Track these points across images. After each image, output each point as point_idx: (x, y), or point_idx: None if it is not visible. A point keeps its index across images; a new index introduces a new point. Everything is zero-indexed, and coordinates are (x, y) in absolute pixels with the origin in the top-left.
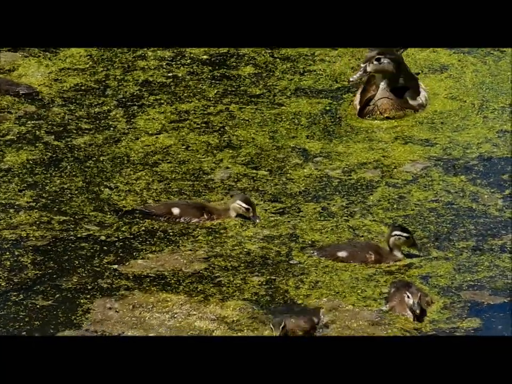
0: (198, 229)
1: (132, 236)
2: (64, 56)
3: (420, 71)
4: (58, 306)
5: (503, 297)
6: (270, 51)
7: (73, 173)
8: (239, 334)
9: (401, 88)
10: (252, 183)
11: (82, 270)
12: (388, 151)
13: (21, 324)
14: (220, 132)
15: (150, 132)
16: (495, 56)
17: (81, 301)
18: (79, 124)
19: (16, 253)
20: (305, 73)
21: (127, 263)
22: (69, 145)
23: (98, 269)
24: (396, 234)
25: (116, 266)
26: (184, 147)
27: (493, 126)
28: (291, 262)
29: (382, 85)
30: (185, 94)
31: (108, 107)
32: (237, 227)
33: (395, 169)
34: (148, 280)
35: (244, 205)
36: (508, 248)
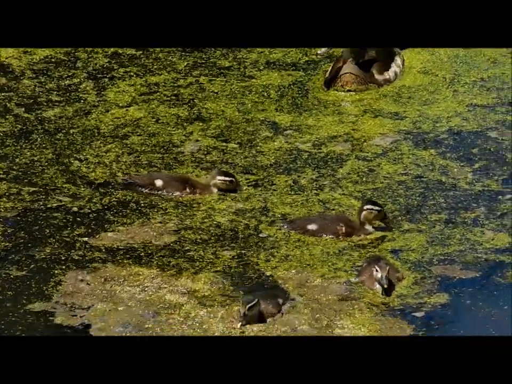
0: (167, 202)
1: (102, 208)
2: None
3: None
4: (31, 277)
5: (474, 272)
6: None
7: (44, 145)
8: (210, 310)
9: (368, 61)
10: (221, 155)
11: (53, 241)
12: (358, 124)
13: None
14: (189, 104)
15: (120, 105)
16: None
17: (53, 272)
18: (49, 96)
19: None
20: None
21: (98, 236)
22: (39, 118)
23: (69, 240)
24: (367, 208)
25: (86, 238)
26: (154, 120)
27: (463, 100)
28: (261, 235)
29: (348, 58)
30: (155, 67)
31: (78, 79)
32: (209, 200)
33: (365, 143)
34: (120, 253)
35: (226, 178)
36: (480, 222)
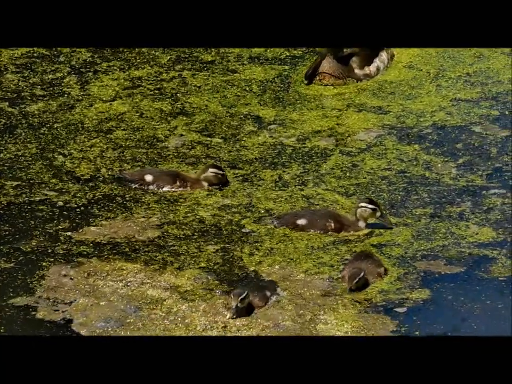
0: (150, 196)
1: (86, 203)
2: None
3: None
4: (14, 271)
5: (458, 267)
6: None
7: (28, 140)
8: (192, 304)
9: (349, 56)
10: (206, 150)
11: (37, 235)
12: (342, 119)
13: None
14: (173, 98)
15: (104, 99)
16: None
17: (36, 267)
18: (33, 91)
19: None
20: None
21: (81, 230)
22: (23, 112)
23: (53, 235)
24: (361, 206)
25: (70, 233)
26: (138, 114)
27: (447, 95)
28: (244, 230)
29: (327, 52)
30: (138, 60)
31: (62, 74)
32: (193, 195)
33: (349, 138)
34: (103, 248)
35: (219, 171)
36: (465, 217)
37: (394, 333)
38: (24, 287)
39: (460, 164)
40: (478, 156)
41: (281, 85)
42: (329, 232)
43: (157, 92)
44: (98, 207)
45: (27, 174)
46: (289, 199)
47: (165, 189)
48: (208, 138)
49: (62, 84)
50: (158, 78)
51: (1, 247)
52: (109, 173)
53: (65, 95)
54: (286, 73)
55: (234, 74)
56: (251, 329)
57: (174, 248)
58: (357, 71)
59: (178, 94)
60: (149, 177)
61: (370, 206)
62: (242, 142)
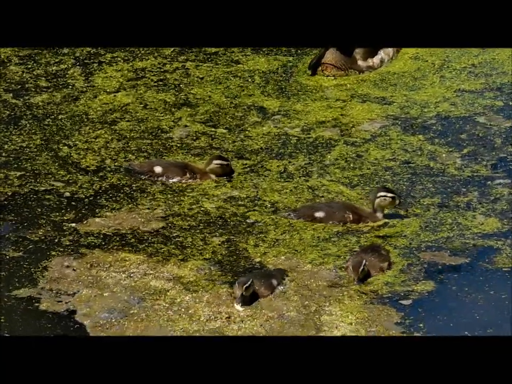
0: (155, 186)
1: (91, 194)
2: None
3: None
4: (17, 263)
5: (462, 258)
6: None
7: (32, 131)
8: (195, 295)
9: (352, 47)
10: (210, 141)
11: (41, 227)
12: (346, 109)
13: None
14: (176, 89)
15: (108, 90)
16: None
17: (39, 258)
18: (37, 82)
19: None
20: None
21: (86, 221)
22: (27, 104)
23: (57, 226)
24: (381, 196)
25: (74, 224)
26: (142, 105)
27: (451, 86)
28: (249, 221)
29: None
30: (142, 52)
31: (66, 65)
32: (200, 186)
33: (353, 128)
34: (107, 239)
35: (223, 162)
36: (470, 207)
37: (399, 324)
38: (27, 278)
39: (464, 154)
40: (483, 146)
41: (285, 76)
42: (348, 224)
43: (160, 83)
44: (104, 198)
45: (32, 165)
46: (295, 190)
47: (174, 180)
48: (213, 129)
49: (66, 76)
50: (162, 69)
51: (7, 236)
52: (115, 163)
53: (70, 87)
54: (290, 64)
55: (238, 65)
56: (255, 320)
57: (177, 239)
58: (360, 62)
59: (181, 85)
60: (158, 169)
61: (389, 194)
62: (247, 132)
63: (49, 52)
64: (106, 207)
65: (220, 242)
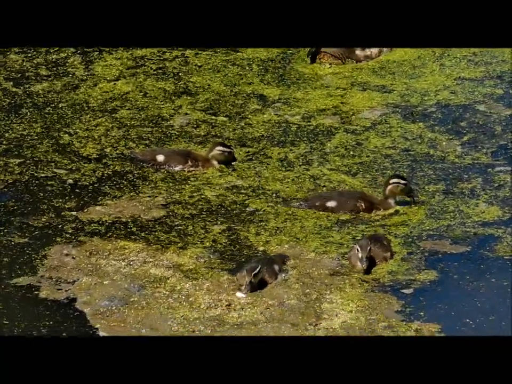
0: (156, 174)
1: (92, 182)
2: None
3: None
4: (16, 251)
5: (463, 246)
6: None
7: (33, 119)
8: (196, 283)
9: None
10: (211, 129)
11: (40, 215)
12: (346, 97)
13: None
14: (176, 78)
15: (108, 78)
16: None
17: (39, 246)
18: (38, 71)
19: None
20: None
21: (86, 210)
22: (28, 92)
23: (56, 214)
24: (394, 182)
25: (74, 212)
26: (142, 94)
27: (451, 74)
28: (250, 210)
29: None
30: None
31: (66, 54)
32: (201, 174)
33: (353, 116)
34: (107, 227)
35: (226, 149)
36: (471, 195)
37: (399, 313)
38: (27, 265)
39: (464, 142)
40: (483, 133)
41: (283, 63)
42: (361, 213)
43: (160, 71)
44: (105, 186)
45: (32, 152)
46: (296, 179)
47: (177, 168)
48: (213, 117)
49: (66, 64)
50: (161, 58)
51: (8, 223)
52: (116, 152)
53: (70, 75)
54: (290, 51)
55: (236, 54)
56: (255, 307)
57: (178, 227)
58: (358, 52)
59: (181, 74)
60: (160, 157)
61: (402, 181)
62: (247, 120)
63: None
64: (108, 195)
65: (220, 231)
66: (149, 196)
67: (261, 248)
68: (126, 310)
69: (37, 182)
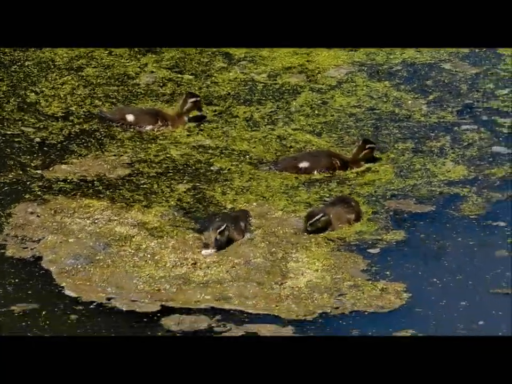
0: (123, 133)
1: (58, 141)
2: None
3: None
4: None
5: (427, 206)
6: None
7: None
8: (161, 241)
9: None
10: (177, 87)
11: (5, 173)
12: (312, 56)
13: None
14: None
15: None
16: None
17: (3, 205)
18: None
19: None
20: None
21: (52, 168)
22: None
23: (21, 172)
24: (369, 147)
25: (40, 171)
26: (107, 52)
27: None
28: (214, 169)
29: None
30: None
31: None
32: (169, 132)
33: (319, 74)
34: (72, 186)
35: (196, 98)
36: (436, 153)
37: (365, 272)
38: None
39: (430, 101)
40: (448, 92)
41: None
42: (336, 170)
43: None
44: (71, 145)
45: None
46: (263, 139)
47: (147, 128)
48: (179, 75)
49: None
50: None
51: None
52: (82, 110)
53: None
54: None
55: None
56: (221, 266)
57: (143, 186)
58: None
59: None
60: (130, 117)
61: (373, 145)
62: (213, 78)
63: None
64: (74, 154)
65: (185, 189)
66: (115, 155)
67: (229, 206)
68: (92, 269)
69: (3, 138)
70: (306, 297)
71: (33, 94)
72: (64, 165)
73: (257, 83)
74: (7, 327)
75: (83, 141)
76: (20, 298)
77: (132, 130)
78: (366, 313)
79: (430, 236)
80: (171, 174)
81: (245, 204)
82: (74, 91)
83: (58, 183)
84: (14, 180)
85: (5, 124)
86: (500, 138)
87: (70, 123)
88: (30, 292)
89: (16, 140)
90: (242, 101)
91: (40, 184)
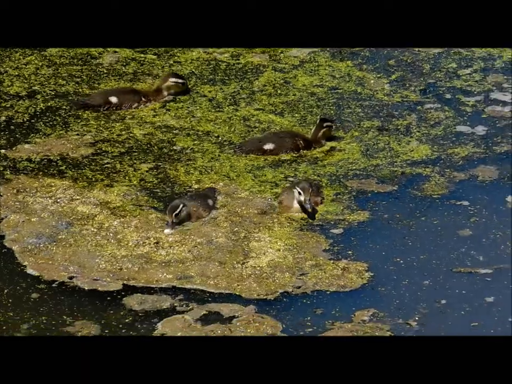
0: (88, 112)
1: (21, 121)
2: None
3: None
4: None
5: (390, 186)
6: None
7: None
8: (123, 220)
9: None
10: (140, 67)
11: None
12: None
13: None
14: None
15: None
16: None
17: None
18: None
19: None
20: None
21: (15, 148)
22: None
23: None
24: (327, 126)
25: (3, 150)
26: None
27: None
28: (178, 148)
29: None
30: None
31: None
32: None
33: (282, 54)
34: (34, 165)
35: (179, 80)
36: (400, 133)
37: (327, 251)
38: None
39: (392, 80)
40: (411, 72)
41: None
42: (301, 150)
43: None
44: (34, 124)
45: None
46: (228, 120)
47: (133, 107)
48: (142, 55)
49: None
50: None
51: None
52: (47, 89)
53: None
54: None
55: None
56: (183, 245)
57: (105, 165)
58: None
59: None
60: (114, 99)
61: (332, 123)
62: (176, 58)
63: None
64: (38, 133)
65: (148, 169)
66: (78, 134)
67: (195, 186)
68: (54, 248)
69: None
70: (268, 276)
71: None
72: (27, 144)
73: (220, 62)
74: None
75: (48, 120)
76: None
77: (118, 112)
78: (328, 292)
79: (394, 216)
80: (136, 153)
81: (211, 184)
82: (38, 71)
83: (22, 162)
84: None
85: None
86: (464, 118)
87: (35, 103)
88: None
89: None
90: (206, 80)
91: (4, 164)
